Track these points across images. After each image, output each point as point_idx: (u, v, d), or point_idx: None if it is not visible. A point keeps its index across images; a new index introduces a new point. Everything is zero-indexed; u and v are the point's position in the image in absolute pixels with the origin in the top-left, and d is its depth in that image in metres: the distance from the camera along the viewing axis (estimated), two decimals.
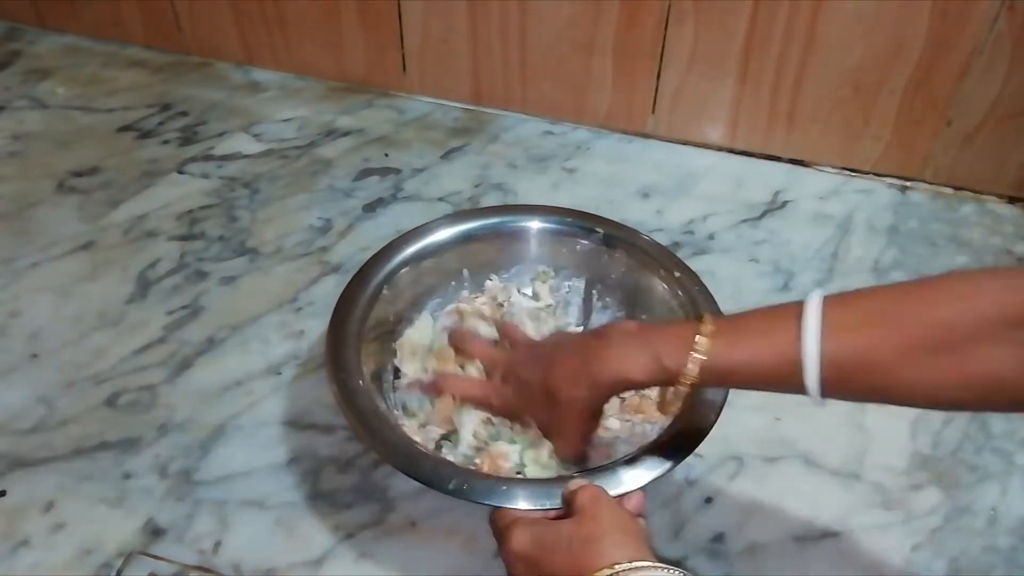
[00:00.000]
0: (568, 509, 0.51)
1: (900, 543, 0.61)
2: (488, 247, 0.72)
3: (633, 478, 0.53)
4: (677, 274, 0.67)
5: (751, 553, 0.60)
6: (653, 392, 0.63)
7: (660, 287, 0.67)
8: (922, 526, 0.62)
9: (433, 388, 0.63)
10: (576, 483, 0.52)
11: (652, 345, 0.52)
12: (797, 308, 0.48)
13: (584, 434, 0.59)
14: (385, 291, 0.67)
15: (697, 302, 0.64)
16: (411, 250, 0.69)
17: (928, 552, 0.60)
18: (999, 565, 0.60)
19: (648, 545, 0.48)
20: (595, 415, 0.58)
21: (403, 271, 0.68)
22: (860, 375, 0.46)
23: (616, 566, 0.45)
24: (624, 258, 0.70)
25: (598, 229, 0.71)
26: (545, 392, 0.57)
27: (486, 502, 0.52)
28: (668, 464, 0.54)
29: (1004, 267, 0.46)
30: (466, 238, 0.71)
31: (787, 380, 0.47)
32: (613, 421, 0.64)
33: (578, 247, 0.72)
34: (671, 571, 0.45)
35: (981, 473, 0.66)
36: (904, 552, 0.60)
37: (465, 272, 0.72)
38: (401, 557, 0.59)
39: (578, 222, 0.72)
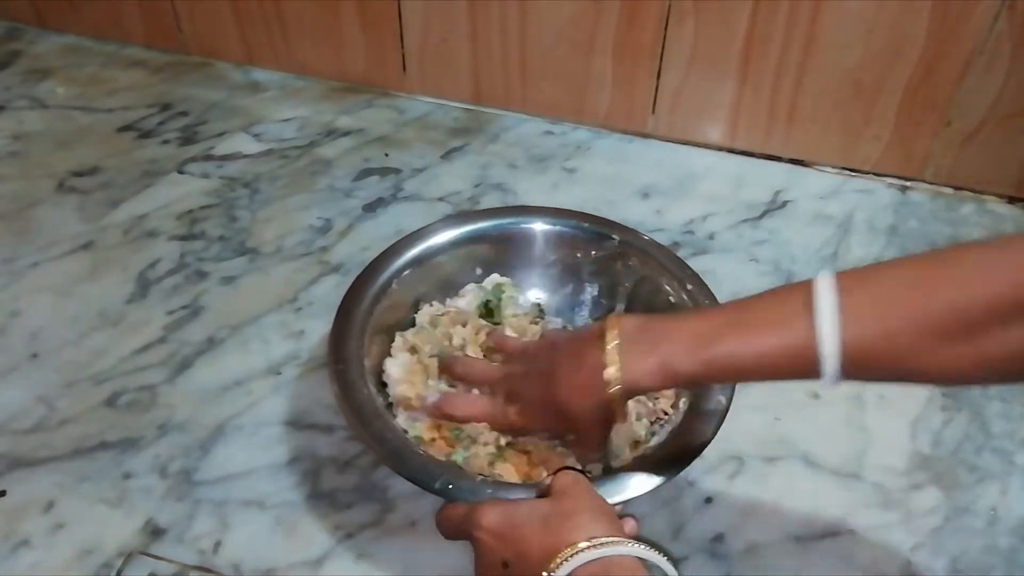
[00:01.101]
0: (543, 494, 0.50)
1: (900, 543, 0.61)
2: (497, 248, 0.72)
3: (633, 487, 0.53)
4: (689, 287, 0.67)
5: (751, 553, 0.60)
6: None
7: (668, 298, 0.67)
8: (922, 526, 0.62)
9: (436, 411, 0.61)
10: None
11: (659, 348, 0.50)
12: (805, 293, 0.46)
13: (602, 438, 0.58)
14: (395, 286, 0.67)
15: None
16: (421, 247, 0.69)
17: (928, 552, 0.60)
18: (999, 565, 0.60)
19: (623, 530, 0.48)
20: (610, 419, 0.55)
21: (411, 268, 0.68)
22: (878, 363, 0.46)
23: (594, 539, 0.44)
24: (638, 267, 0.70)
25: (614, 236, 0.71)
26: (554, 407, 0.55)
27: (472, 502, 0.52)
28: (662, 478, 0.54)
29: (1018, 236, 0.45)
30: (477, 238, 0.71)
31: (802, 371, 0.47)
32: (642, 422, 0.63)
33: (594, 253, 0.72)
34: (649, 549, 0.45)
35: (981, 473, 0.66)
36: (904, 552, 0.60)
37: (479, 271, 0.72)
38: (401, 557, 0.59)
39: (594, 228, 0.72)
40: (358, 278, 0.66)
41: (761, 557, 0.60)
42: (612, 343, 0.52)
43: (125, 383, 0.70)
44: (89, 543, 0.59)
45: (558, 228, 0.72)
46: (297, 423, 0.68)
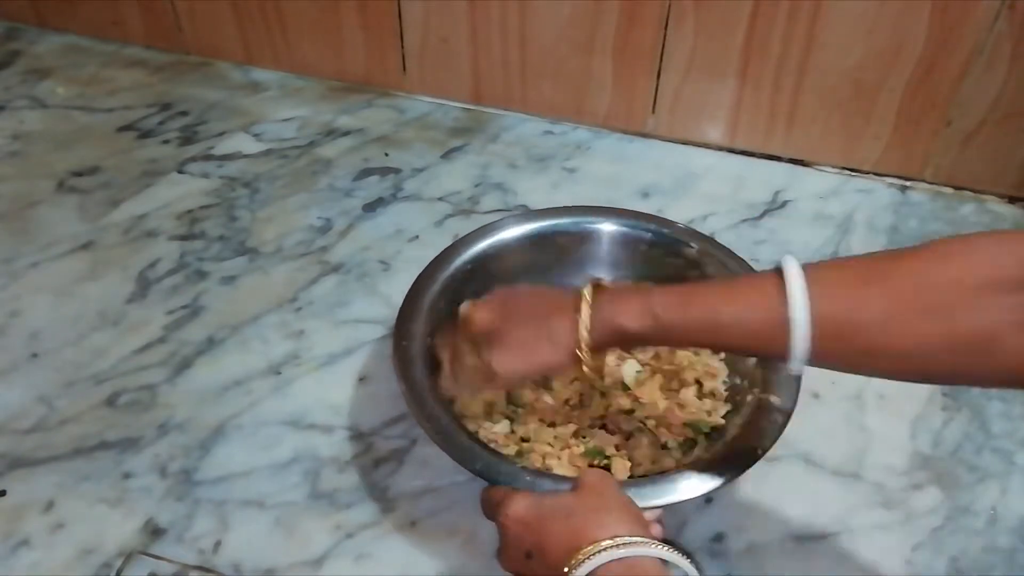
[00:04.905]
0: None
1: (900, 543, 0.61)
2: (577, 247, 0.73)
3: (685, 489, 0.54)
4: None
5: (751, 553, 0.60)
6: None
7: None
8: (922, 526, 0.62)
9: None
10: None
11: (643, 295, 0.51)
12: (774, 274, 0.47)
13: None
14: (470, 269, 0.69)
15: None
16: (496, 238, 0.71)
17: (928, 552, 0.60)
18: (999, 565, 0.60)
19: (649, 529, 0.48)
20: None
21: (488, 258, 0.70)
22: (849, 336, 0.45)
23: (617, 538, 0.45)
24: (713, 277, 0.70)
25: (693, 245, 0.71)
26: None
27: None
28: (720, 479, 0.55)
29: (995, 230, 0.45)
30: (557, 235, 0.73)
31: (769, 343, 0.47)
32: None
33: (669, 260, 0.72)
34: (671, 550, 0.45)
35: (981, 473, 0.66)
36: (904, 552, 0.60)
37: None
38: (401, 557, 0.59)
39: (673, 234, 0.72)
40: (433, 262, 0.68)
41: (761, 557, 0.60)
42: (587, 296, 0.52)
43: (125, 383, 0.70)
44: (89, 543, 0.59)
45: (637, 232, 0.73)
46: (297, 423, 0.68)
